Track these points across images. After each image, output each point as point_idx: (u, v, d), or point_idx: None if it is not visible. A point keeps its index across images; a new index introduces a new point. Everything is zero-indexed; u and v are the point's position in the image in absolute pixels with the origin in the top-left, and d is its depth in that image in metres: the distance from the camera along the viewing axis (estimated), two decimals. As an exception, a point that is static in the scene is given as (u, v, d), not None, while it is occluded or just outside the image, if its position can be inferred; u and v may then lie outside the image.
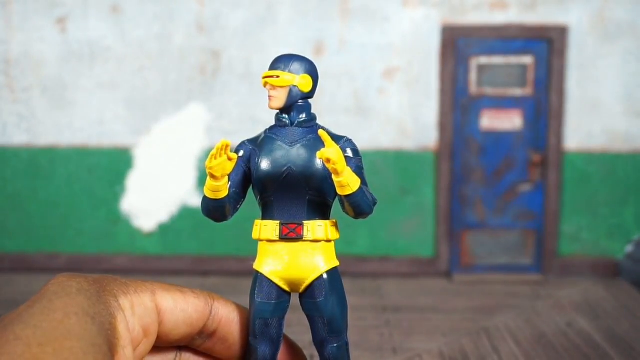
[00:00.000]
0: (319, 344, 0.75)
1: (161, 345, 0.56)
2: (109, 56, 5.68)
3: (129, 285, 0.51)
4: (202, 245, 5.85)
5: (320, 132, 0.76)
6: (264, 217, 0.77)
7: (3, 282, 5.57)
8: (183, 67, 5.68)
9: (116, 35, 5.66)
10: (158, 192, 5.82)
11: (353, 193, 0.76)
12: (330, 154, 0.72)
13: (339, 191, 0.76)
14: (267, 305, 0.74)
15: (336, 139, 0.79)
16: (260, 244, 0.76)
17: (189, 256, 5.87)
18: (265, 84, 0.81)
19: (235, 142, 0.82)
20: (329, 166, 0.73)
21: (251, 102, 5.63)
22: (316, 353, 0.76)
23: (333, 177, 0.75)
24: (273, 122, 0.83)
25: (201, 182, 5.79)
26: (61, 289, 0.45)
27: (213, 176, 0.75)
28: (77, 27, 5.65)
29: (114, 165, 5.79)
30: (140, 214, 5.85)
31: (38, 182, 5.81)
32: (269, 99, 0.81)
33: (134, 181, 5.82)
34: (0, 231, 5.86)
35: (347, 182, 0.75)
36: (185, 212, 5.82)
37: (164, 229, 5.86)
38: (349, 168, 0.75)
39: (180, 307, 0.55)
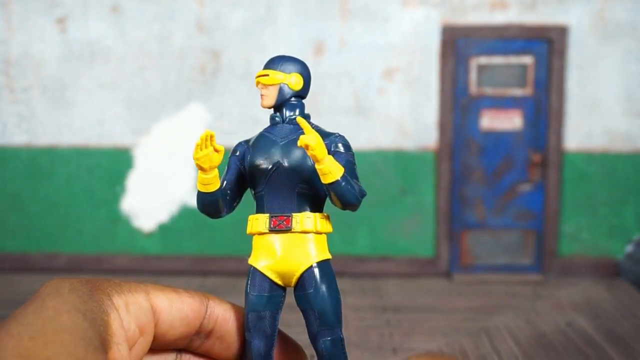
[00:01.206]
0: (313, 338, 0.75)
1: (159, 346, 0.56)
2: (109, 56, 5.69)
3: (123, 286, 0.52)
4: (202, 245, 5.85)
5: (299, 119, 0.78)
6: (256, 212, 0.79)
7: (3, 282, 5.58)
8: (183, 67, 5.68)
9: (116, 35, 5.66)
10: (158, 192, 5.82)
11: (336, 181, 0.76)
12: (308, 140, 0.74)
13: (322, 179, 0.77)
14: (259, 297, 0.75)
15: (326, 134, 0.81)
16: (253, 238, 0.78)
17: (189, 256, 5.87)
18: (258, 84, 0.84)
19: (235, 142, 0.83)
20: (309, 153, 0.75)
21: (251, 102, 5.63)
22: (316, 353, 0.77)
23: (315, 165, 0.76)
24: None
25: (201, 182, 5.79)
26: (54, 290, 0.46)
27: (202, 168, 0.78)
28: (77, 27, 5.66)
29: (114, 165, 5.80)
30: (140, 214, 5.85)
31: (38, 182, 5.81)
32: (261, 98, 0.83)
33: (134, 181, 5.82)
34: (0, 231, 5.86)
35: (329, 169, 0.76)
36: (185, 212, 5.82)
37: (164, 229, 5.86)
38: (330, 156, 0.77)
39: (175, 307, 0.56)
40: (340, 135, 0.81)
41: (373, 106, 5.67)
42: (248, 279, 0.76)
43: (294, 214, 0.77)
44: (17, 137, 5.77)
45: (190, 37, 5.65)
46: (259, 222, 0.77)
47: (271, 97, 0.83)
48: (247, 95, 5.65)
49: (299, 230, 0.76)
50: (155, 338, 0.54)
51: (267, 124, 0.86)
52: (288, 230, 0.76)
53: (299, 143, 0.75)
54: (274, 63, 0.84)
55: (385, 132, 5.67)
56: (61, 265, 5.83)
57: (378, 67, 5.64)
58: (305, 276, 0.76)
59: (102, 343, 0.43)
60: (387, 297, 5.33)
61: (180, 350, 0.60)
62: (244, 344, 0.64)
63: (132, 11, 5.63)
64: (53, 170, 5.80)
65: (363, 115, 5.67)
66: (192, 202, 5.81)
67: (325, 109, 5.62)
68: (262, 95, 0.83)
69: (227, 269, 5.78)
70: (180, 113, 5.74)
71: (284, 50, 5.57)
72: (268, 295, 0.75)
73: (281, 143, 0.81)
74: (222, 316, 0.60)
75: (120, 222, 5.85)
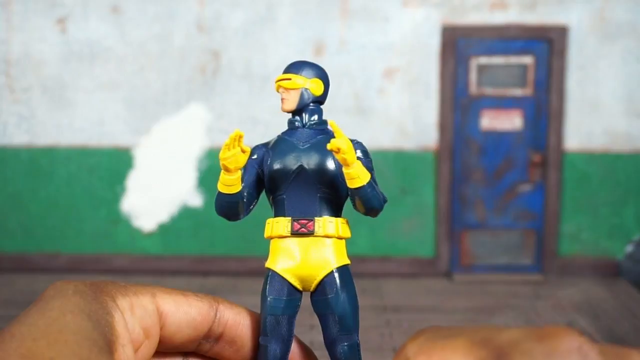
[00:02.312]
0: (330, 343, 0.75)
1: (166, 349, 0.56)
2: (109, 56, 5.69)
3: (128, 288, 0.51)
4: (202, 245, 5.85)
5: (331, 122, 0.79)
6: (276, 215, 0.78)
7: (3, 282, 5.57)
8: (183, 67, 5.68)
9: (116, 35, 5.66)
10: (158, 192, 5.82)
11: (363, 186, 0.77)
12: (340, 144, 0.74)
13: (349, 184, 0.77)
14: (278, 301, 0.74)
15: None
16: (272, 241, 0.77)
17: (189, 256, 5.87)
18: (279, 88, 0.83)
19: None
20: (339, 156, 0.75)
21: (251, 102, 5.63)
22: (324, 354, 0.77)
23: (343, 169, 0.77)
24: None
25: (201, 182, 5.79)
26: (58, 292, 0.46)
27: (227, 169, 0.76)
28: (77, 27, 5.66)
29: (114, 165, 5.80)
30: (140, 214, 5.85)
31: (38, 182, 5.81)
32: (282, 102, 0.83)
33: (134, 181, 5.82)
34: (0, 231, 5.86)
35: (357, 174, 0.77)
36: (185, 212, 5.82)
37: (164, 229, 5.86)
38: (359, 161, 0.77)
39: (182, 310, 0.55)
40: (359, 141, 0.83)
41: (373, 106, 5.67)
42: (266, 283, 0.75)
43: (316, 218, 0.77)
44: (17, 137, 5.77)
45: (190, 37, 5.65)
46: (279, 225, 0.76)
47: (292, 102, 0.83)
48: (247, 95, 5.65)
49: (322, 234, 0.76)
50: (161, 341, 0.54)
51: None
52: (310, 234, 0.76)
53: (329, 146, 0.75)
54: (295, 67, 0.84)
55: (385, 132, 5.67)
56: (61, 265, 5.83)
57: (378, 67, 5.64)
58: (326, 281, 0.76)
59: (107, 344, 0.43)
60: (387, 297, 5.33)
61: (187, 354, 0.59)
62: (255, 348, 0.63)
63: (132, 11, 5.63)
64: (53, 170, 5.80)
65: (363, 115, 5.67)
66: (192, 202, 5.81)
67: (325, 109, 5.60)
68: (283, 99, 0.83)
69: (227, 269, 5.78)
70: (180, 113, 5.74)
71: (284, 50, 5.57)
72: (287, 299, 0.75)
73: (303, 147, 0.80)
74: (232, 320, 0.60)
75: (120, 222, 5.85)
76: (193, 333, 0.56)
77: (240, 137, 0.76)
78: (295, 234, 0.76)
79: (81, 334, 0.41)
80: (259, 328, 0.66)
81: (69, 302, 0.44)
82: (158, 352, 0.54)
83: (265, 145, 0.82)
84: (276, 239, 0.77)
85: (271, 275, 0.76)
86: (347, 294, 0.76)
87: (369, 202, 0.79)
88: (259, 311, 0.72)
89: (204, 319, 0.57)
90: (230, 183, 0.77)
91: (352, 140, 0.81)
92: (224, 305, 0.59)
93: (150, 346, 0.52)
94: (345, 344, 0.75)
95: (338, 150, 0.75)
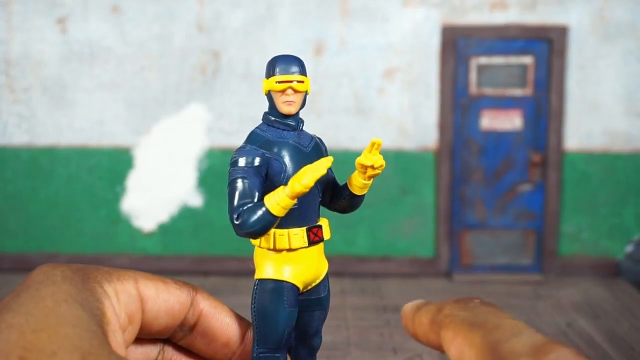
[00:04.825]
0: (312, 334, 0.77)
1: (143, 336, 0.56)
2: (109, 56, 5.68)
3: (112, 274, 0.51)
4: (202, 245, 5.85)
5: (379, 141, 0.76)
6: (287, 226, 0.74)
7: (3, 282, 5.57)
8: (183, 67, 5.68)
9: (116, 35, 5.66)
10: (158, 192, 5.82)
11: (365, 193, 0.79)
12: (384, 163, 0.75)
13: (358, 192, 0.78)
14: (293, 312, 0.74)
15: (322, 143, 0.81)
16: (281, 253, 0.74)
17: (189, 256, 5.87)
18: (286, 89, 0.76)
19: (235, 143, 0.81)
20: (374, 172, 0.75)
21: (251, 102, 5.63)
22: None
23: (361, 180, 0.76)
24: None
25: (201, 182, 5.79)
26: (46, 277, 0.45)
27: (300, 195, 0.71)
28: (77, 27, 5.65)
29: (114, 165, 5.79)
30: (140, 214, 5.84)
31: (38, 182, 5.81)
32: (288, 104, 0.76)
33: (134, 181, 5.82)
34: (0, 231, 5.86)
35: (369, 185, 0.78)
36: (185, 212, 5.82)
37: (164, 229, 5.86)
38: None
39: (162, 297, 0.56)
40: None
41: (373, 106, 5.67)
42: (278, 294, 0.73)
43: (322, 224, 0.76)
44: (17, 137, 5.77)
45: (190, 37, 5.65)
46: (297, 237, 0.73)
47: (298, 104, 0.76)
48: (247, 95, 5.65)
49: (326, 238, 0.76)
50: (140, 327, 0.54)
51: None
52: (321, 240, 0.76)
53: (376, 164, 0.75)
54: (298, 66, 0.77)
55: (385, 132, 5.67)
56: (61, 265, 5.82)
57: (378, 67, 5.64)
58: (322, 281, 0.77)
59: (103, 334, 0.43)
60: (387, 297, 5.33)
61: (164, 342, 0.60)
62: (227, 344, 0.62)
63: (132, 11, 5.63)
64: (53, 170, 5.80)
65: (363, 115, 5.67)
66: (192, 202, 5.80)
67: (325, 109, 5.62)
68: (290, 101, 0.76)
69: (227, 269, 5.78)
70: (180, 113, 5.73)
71: (284, 50, 5.57)
72: (296, 308, 0.75)
73: (309, 153, 0.76)
74: (207, 311, 0.60)
75: (120, 222, 5.85)
76: (170, 320, 0.56)
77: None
78: (312, 243, 0.75)
79: (80, 326, 0.41)
80: (241, 330, 0.62)
81: (60, 290, 0.44)
82: (137, 339, 0.55)
83: (263, 147, 0.75)
84: (289, 249, 0.74)
85: (285, 287, 0.73)
86: (329, 292, 0.79)
87: (360, 204, 0.81)
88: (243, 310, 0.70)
89: (182, 307, 0.57)
90: (289, 207, 0.72)
91: (318, 138, 0.80)
92: (202, 295, 0.60)
93: (133, 331, 0.53)
94: (321, 335, 0.78)
95: (380, 167, 0.75)
